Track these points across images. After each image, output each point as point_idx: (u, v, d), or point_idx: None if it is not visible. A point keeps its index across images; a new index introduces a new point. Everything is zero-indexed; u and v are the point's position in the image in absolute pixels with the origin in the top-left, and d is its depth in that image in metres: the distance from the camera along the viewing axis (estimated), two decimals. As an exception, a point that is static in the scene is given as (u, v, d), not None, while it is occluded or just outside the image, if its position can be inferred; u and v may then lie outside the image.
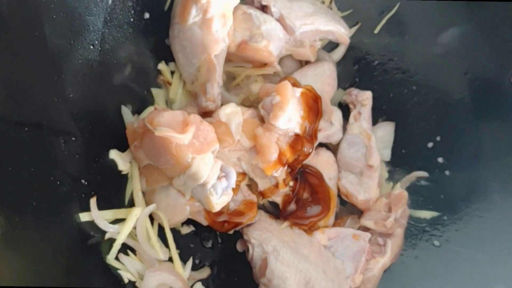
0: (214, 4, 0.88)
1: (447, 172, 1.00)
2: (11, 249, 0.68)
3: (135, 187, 0.91)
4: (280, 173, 0.89)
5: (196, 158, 0.80)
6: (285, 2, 0.95)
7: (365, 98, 1.01)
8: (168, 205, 0.89)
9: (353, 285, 0.91)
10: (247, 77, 1.01)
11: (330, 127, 0.98)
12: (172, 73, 1.00)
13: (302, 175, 0.97)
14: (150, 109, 0.96)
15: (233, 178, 0.84)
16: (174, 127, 0.79)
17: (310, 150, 0.91)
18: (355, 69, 1.10)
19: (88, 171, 0.85)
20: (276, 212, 0.99)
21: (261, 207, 1.00)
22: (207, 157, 0.81)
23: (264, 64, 0.99)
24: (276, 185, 0.92)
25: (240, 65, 1.00)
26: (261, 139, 0.86)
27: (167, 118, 0.80)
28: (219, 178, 0.82)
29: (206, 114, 0.94)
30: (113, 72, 0.90)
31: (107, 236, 0.85)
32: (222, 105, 0.92)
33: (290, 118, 0.86)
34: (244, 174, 0.92)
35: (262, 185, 0.92)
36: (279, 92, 0.86)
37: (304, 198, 0.97)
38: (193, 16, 0.89)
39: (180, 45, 0.93)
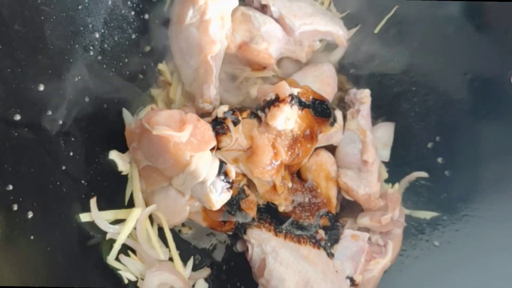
0: (212, 6, 0.87)
1: (447, 172, 1.00)
2: (11, 249, 0.68)
3: (135, 187, 0.91)
4: (277, 175, 0.89)
5: (195, 156, 0.80)
6: (285, 1, 0.95)
7: (364, 96, 1.00)
8: (168, 206, 0.89)
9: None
10: (247, 79, 1.01)
11: (330, 128, 0.98)
12: (172, 73, 1.01)
13: (301, 176, 0.97)
14: (147, 109, 0.96)
15: (232, 175, 0.84)
16: (171, 126, 0.79)
17: (309, 149, 0.90)
18: (355, 69, 1.10)
19: (88, 171, 0.85)
20: (275, 213, 0.98)
21: (261, 208, 1.00)
22: (206, 155, 0.81)
23: (263, 68, 0.98)
24: (274, 187, 0.92)
25: (239, 67, 1.00)
26: (257, 140, 0.86)
27: (164, 117, 0.80)
28: (217, 175, 0.82)
29: (204, 116, 0.93)
30: (112, 73, 0.90)
31: (108, 236, 0.85)
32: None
33: (287, 118, 0.86)
34: (243, 174, 0.92)
35: (260, 186, 0.92)
36: (276, 92, 0.86)
37: (303, 200, 0.97)
38: (190, 17, 0.88)
39: (177, 46, 0.93)
